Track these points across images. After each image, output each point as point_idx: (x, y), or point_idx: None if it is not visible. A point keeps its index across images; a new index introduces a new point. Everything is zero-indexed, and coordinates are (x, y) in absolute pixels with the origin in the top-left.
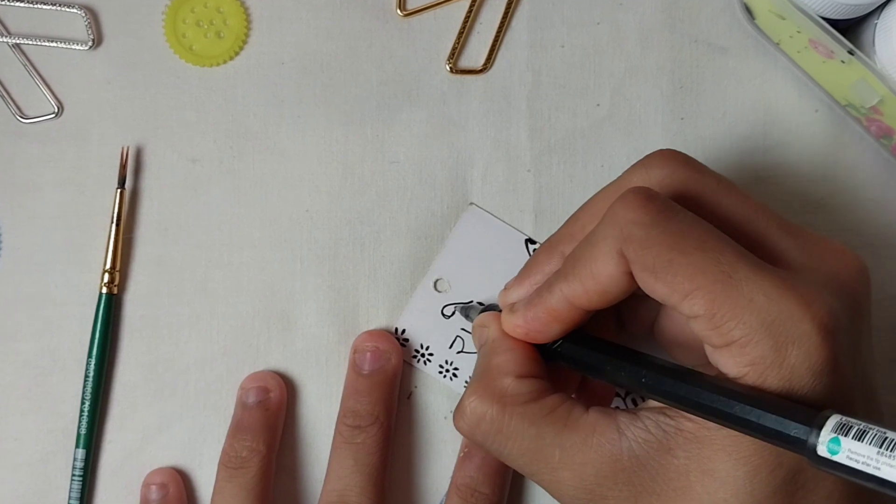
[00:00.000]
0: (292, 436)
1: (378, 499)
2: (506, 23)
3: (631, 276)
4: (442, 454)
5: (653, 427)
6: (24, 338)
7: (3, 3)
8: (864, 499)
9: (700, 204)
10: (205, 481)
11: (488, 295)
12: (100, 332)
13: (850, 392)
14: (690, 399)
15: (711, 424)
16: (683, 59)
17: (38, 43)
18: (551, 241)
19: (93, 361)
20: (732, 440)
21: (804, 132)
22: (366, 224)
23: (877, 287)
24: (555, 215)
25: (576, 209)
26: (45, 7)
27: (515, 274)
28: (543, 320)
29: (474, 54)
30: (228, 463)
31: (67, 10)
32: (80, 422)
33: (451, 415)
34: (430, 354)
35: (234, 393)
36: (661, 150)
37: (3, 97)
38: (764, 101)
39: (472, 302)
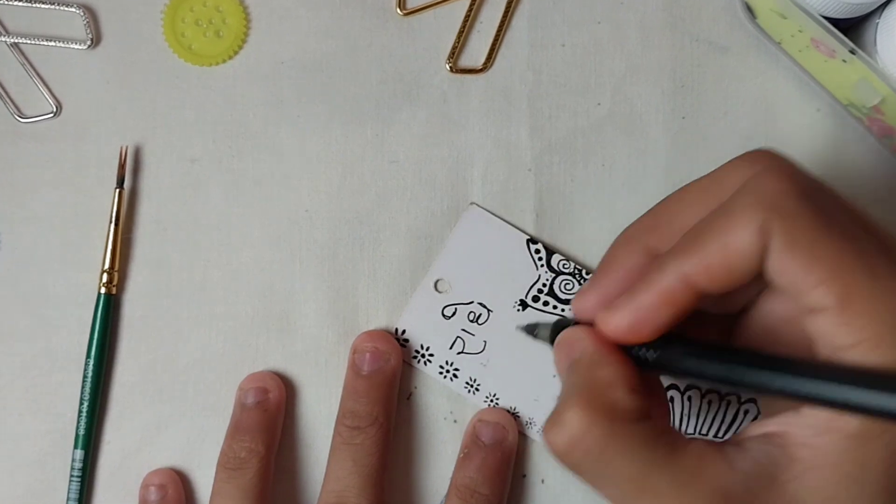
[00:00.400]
0: (291, 436)
1: (377, 500)
2: (506, 21)
3: (762, 255)
4: (442, 455)
5: (762, 457)
6: (23, 338)
7: (1, 2)
8: None
9: None
10: (204, 482)
11: (489, 295)
12: (98, 332)
13: None
14: (849, 400)
15: (831, 448)
16: (684, 58)
17: (37, 42)
18: (630, 235)
19: (91, 362)
20: (855, 464)
21: (806, 132)
22: (365, 224)
23: None
24: (556, 215)
25: (581, 211)
26: (43, 6)
27: (513, 273)
28: (654, 305)
29: (474, 53)
30: (227, 464)
31: (66, 8)
32: (78, 422)
33: (451, 415)
34: (431, 355)
35: (233, 393)
36: (763, 150)
37: (1, 97)
38: (765, 100)
39: (536, 321)
